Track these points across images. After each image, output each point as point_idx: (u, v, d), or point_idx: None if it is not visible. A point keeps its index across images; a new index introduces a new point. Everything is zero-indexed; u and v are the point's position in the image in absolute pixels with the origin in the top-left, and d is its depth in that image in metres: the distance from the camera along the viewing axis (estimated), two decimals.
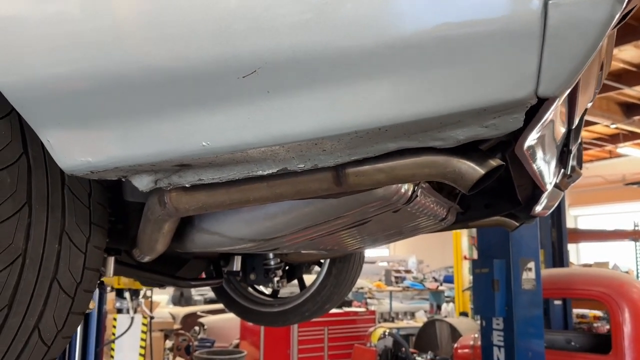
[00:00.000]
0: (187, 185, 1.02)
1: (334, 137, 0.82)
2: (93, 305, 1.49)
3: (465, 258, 11.52)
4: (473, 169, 0.93)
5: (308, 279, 3.03)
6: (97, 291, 4.51)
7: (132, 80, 0.85)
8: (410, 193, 1.46)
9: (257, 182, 1.07)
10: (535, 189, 1.78)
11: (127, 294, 4.55)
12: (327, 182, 1.04)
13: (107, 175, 0.99)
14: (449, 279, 13.83)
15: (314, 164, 0.92)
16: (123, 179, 1.02)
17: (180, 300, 13.41)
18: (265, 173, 0.95)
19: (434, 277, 16.63)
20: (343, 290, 2.87)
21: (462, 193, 2.09)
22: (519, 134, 0.95)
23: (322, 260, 2.94)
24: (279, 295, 3.12)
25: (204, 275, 2.68)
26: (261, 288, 3.22)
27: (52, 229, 1.10)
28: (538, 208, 2.06)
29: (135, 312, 4.56)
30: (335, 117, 0.80)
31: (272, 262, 2.69)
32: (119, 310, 4.61)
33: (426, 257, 22.69)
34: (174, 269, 2.02)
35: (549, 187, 1.59)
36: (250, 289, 3.12)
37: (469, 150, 0.96)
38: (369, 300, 12.72)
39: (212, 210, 1.13)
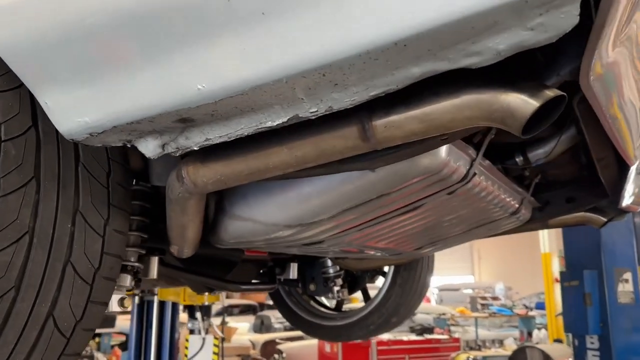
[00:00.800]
0: (195, 148, 0.91)
1: (344, 61, 0.68)
2: (129, 304, 1.40)
3: (556, 281, 10.72)
4: (525, 102, 0.76)
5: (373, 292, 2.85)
6: (169, 310, 4.55)
7: (114, 23, 0.76)
8: (464, 169, 1.27)
9: (275, 146, 0.95)
10: (621, 167, 1.52)
11: (198, 314, 4.55)
12: (352, 137, 0.89)
13: (108, 139, 0.90)
14: (540, 306, 12.93)
15: (328, 105, 0.78)
16: (129, 145, 0.93)
17: (260, 327, 13.47)
18: (275, 124, 0.82)
19: (524, 305, 15.66)
20: (411, 302, 2.65)
21: (536, 182, 1.86)
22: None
23: (386, 270, 2.75)
24: (343, 309, 2.95)
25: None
26: (325, 302, 3.06)
27: (63, 208, 1.03)
28: (627, 198, 1.78)
29: (206, 332, 4.54)
30: (342, 35, 0.66)
31: (330, 270, 2.54)
32: (191, 331, 4.60)
33: (515, 284, 21.51)
34: (222, 272, 1.93)
35: (638, 156, 1.34)
36: (313, 302, 2.98)
37: (519, 81, 0.78)
38: (452, 328, 12.12)
39: (232, 183, 1.02)
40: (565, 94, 0.76)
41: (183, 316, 4.81)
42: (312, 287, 2.65)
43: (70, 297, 1.06)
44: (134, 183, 1.37)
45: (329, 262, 2.54)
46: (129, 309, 1.45)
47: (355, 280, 2.74)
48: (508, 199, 1.69)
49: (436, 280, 21.99)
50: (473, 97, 0.80)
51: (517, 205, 1.81)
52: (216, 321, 10.67)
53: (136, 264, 1.48)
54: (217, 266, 1.93)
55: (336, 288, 2.55)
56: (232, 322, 12.75)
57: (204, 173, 1.02)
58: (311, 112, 0.79)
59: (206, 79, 0.75)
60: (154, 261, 1.69)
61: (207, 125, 0.86)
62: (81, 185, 1.06)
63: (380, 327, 2.65)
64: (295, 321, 2.93)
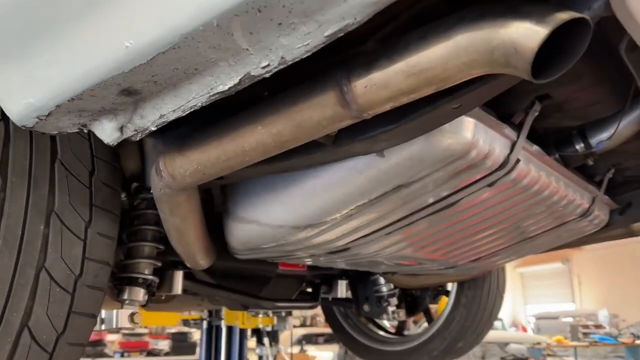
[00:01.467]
0: (153, 128, 0.79)
1: None
2: (140, 320, 1.30)
3: None
4: (530, 31, 0.57)
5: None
6: (237, 336, 4.47)
7: None
8: (502, 153, 1.06)
9: (248, 124, 0.81)
10: None
11: (266, 340, 4.44)
12: (330, 105, 0.73)
13: (60, 123, 0.80)
14: None
15: (280, 56, 0.63)
16: (85, 130, 0.83)
17: (344, 357, 13.17)
18: (227, 87, 0.69)
19: (631, 333, 14.23)
20: (478, 325, 2.37)
21: (609, 177, 1.57)
22: None
23: (449, 289, 2.49)
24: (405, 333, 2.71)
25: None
26: (387, 325, 2.84)
27: (35, 207, 0.94)
28: None
29: (274, 359, 4.41)
30: None
31: (383, 289, 2.33)
32: (260, 358, 4.49)
33: (621, 310, 19.69)
34: (257, 288, 1.80)
35: None
36: (371, 325, 2.76)
37: (524, 5, 0.59)
38: (548, 358, 11.18)
39: (211, 173, 0.89)
40: (584, 16, 0.56)
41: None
42: (366, 307, 2.45)
43: (48, 307, 0.96)
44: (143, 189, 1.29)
45: (382, 280, 2.34)
46: (140, 324, 1.35)
47: (415, 301, 2.51)
48: (573, 197, 1.43)
49: (533, 309, 20.68)
50: (467, 36, 0.62)
51: (587, 205, 1.54)
52: (296, 349, 10.52)
53: (150, 277, 1.38)
54: (252, 282, 1.81)
55: (391, 308, 2.34)
56: (316, 350, 12.57)
57: (180, 163, 0.90)
58: (263, 68, 0.65)
59: (132, 33, 0.63)
60: (178, 276, 1.59)
61: (157, 97, 0.74)
62: (57, 184, 0.97)
63: (444, 353, 2.39)
64: (352, 346, 2.73)
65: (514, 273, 20.24)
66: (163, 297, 1.64)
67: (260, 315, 3.03)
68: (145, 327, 10.02)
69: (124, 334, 10.10)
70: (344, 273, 2.22)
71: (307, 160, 0.96)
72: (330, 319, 2.82)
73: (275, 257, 1.42)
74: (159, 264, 1.43)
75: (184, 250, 1.22)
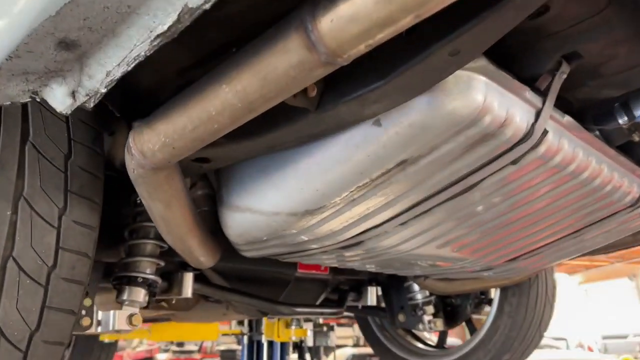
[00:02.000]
0: (103, 90, 0.70)
1: None
2: (138, 321, 1.21)
3: None
4: None
5: None
6: (278, 351, 4.37)
7: None
8: (525, 122, 0.91)
9: (212, 84, 0.71)
10: None
11: (307, 356, 4.31)
12: (294, 49, 0.62)
13: (8, 91, 0.73)
14: None
15: None
16: (37, 98, 0.75)
17: None
18: (166, 27, 0.59)
19: None
20: (526, 336, 2.16)
21: None
22: None
23: (492, 297, 2.29)
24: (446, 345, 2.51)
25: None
26: (426, 337, 2.65)
27: (1, 192, 0.87)
28: None
29: None
30: None
31: (418, 296, 2.16)
32: None
33: None
34: (276, 293, 1.69)
35: None
36: (409, 337, 2.58)
37: None
38: None
39: (180, 147, 0.79)
40: None
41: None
42: (401, 317, 2.29)
43: (17, 300, 0.89)
44: None
45: (416, 287, 2.17)
46: (138, 326, 1.26)
47: (455, 310, 2.32)
48: (619, 182, 1.24)
49: (599, 328, 19.57)
50: None
51: (637, 194, 1.34)
52: None
53: (151, 277, 1.29)
54: (269, 286, 1.70)
55: (427, 317, 2.17)
56: None
57: (148, 137, 0.81)
58: None
59: None
60: (188, 278, 1.51)
61: (99, 50, 0.65)
62: (27, 167, 0.90)
63: None
64: (387, 357, 2.56)
65: (578, 289, 19.25)
66: (173, 301, 1.56)
67: (293, 327, 2.91)
68: (195, 344, 10.07)
69: (174, 352, 10.18)
70: (374, 279, 2.07)
71: (291, 132, 0.85)
72: (365, 330, 2.66)
73: (283, 254, 1.31)
74: (161, 263, 1.34)
75: (178, 244, 1.12)
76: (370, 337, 2.64)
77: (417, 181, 0.97)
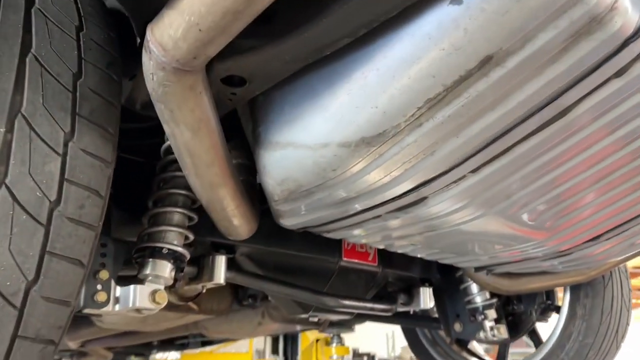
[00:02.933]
0: None
1: None
2: (162, 299, 1.02)
3: None
4: None
5: None
6: None
7: None
8: (638, 14, 0.72)
9: None
10: None
11: None
12: None
13: None
14: None
15: None
16: None
17: None
18: None
19: None
20: (602, 344, 1.88)
21: None
22: None
23: (559, 304, 2.02)
24: None
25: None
26: (481, 353, 2.37)
27: None
28: None
29: None
30: None
31: (478, 299, 1.92)
32: None
33: None
34: (315, 285, 1.48)
35: None
36: (465, 353, 2.31)
37: None
38: None
39: (212, 27, 0.63)
40: None
41: None
42: (457, 327, 2.04)
43: (11, 241, 0.72)
44: None
45: (474, 288, 1.93)
46: (163, 304, 1.07)
47: (518, 318, 2.06)
48: None
49: None
50: None
51: None
52: None
53: (178, 249, 1.12)
54: (311, 277, 1.49)
55: (489, 323, 1.91)
56: None
57: (169, 21, 0.65)
58: None
59: None
60: (220, 261, 1.32)
61: None
62: (27, 81, 0.75)
63: None
64: None
65: None
66: (203, 289, 1.37)
67: (334, 345, 2.66)
68: None
69: None
70: (426, 279, 1.84)
71: (345, 18, 0.68)
72: (415, 346, 2.40)
73: (326, 223, 1.12)
74: (190, 236, 1.16)
75: (207, 194, 0.95)
76: (420, 354, 2.37)
77: (500, 95, 0.78)
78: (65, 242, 0.76)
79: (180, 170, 1.16)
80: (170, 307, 1.72)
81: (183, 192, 1.16)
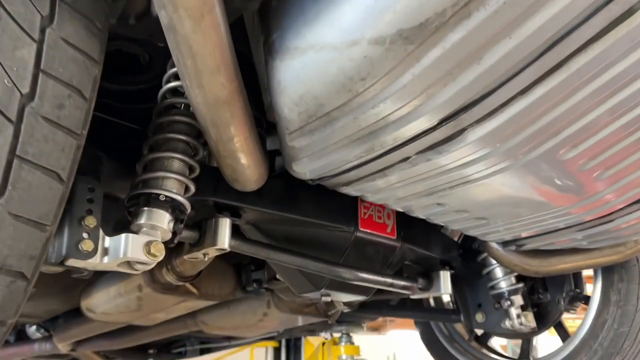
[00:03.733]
0: None
1: None
2: (159, 251, 0.87)
3: None
4: None
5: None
6: None
7: None
8: None
9: None
10: None
11: None
12: None
13: None
14: None
15: None
16: None
17: None
18: None
19: None
20: (638, 333, 1.72)
21: None
22: None
23: (588, 294, 1.87)
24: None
25: None
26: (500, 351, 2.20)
27: None
28: None
29: None
30: None
31: (502, 284, 1.76)
32: None
33: None
34: (332, 256, 1.33)
35: None
36: (485, 350, 2.14)
37: None
38: None
39: None
40: None
41: None
42: (479, 317, 1.89)
43: None
44: None
45: (499, 272, 1.78)
46: (159, 257, 0.92)
47: (544, 308, 1.90)
48: None
49: None
50: None
51: None
52: None
53: (178, 197, 0.97)
54: (324, 249, 1.35)
55: (514, 311, 1.76)
56: None
57: None
58: None
59: None
60: (224, 225, 1.18)
61: None
62: None
63: None
64: None
65: None
66: (206, 257, 1.22)
67: (343, 343, 2.48)
68: None
69: None
70: (446, 262, 1.69)
71: None
72: (430, 344, 2.23)
73: (347, 168, 0.98)
74: (192, 187, 1.02)
75: (210, 113, 0.80)
76: (437, 352, 2.20)
77: None
78: (40, 147, 0.63)
79: (180, 114, 1.04)
80: (168, 288, 1.57)
81: (183, 137, 1.02)
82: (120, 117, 1.34)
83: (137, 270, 0.94)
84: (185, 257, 1.24)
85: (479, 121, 0.86)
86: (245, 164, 0.92)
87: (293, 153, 0.95)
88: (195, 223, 1.20)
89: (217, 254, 1.20)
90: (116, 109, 1.30)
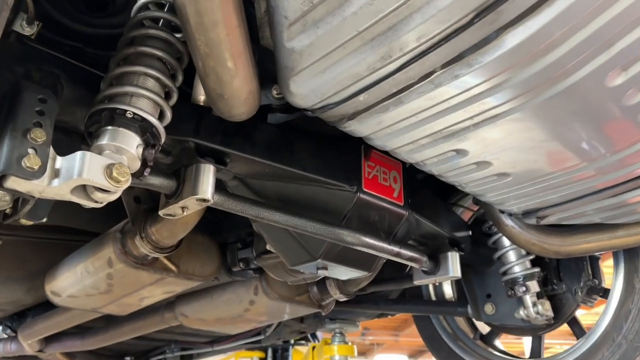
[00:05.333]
0: None
1: None
2: (124, 175, 0.69)
3: None
4: None
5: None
6: None
7: None
8: None
9: None
10: None
11: None
12: None
13: None
14: None
15: None
16: None
17: None
18: None
19: None
20: None
21: None
22: None
23: (606, 287, 1.70)
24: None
25: None
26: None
27: None
28: None
29: None
30: None
31: (516, 269, 1.59)
32: None
33: None
34: (331, 219, 1.15)
35: None
36: (491, 350, 1.95)
37: None
38: None
39: None
40: None
41: None
42: (488, 308, 1.72)
43: None
44: None
45: (513, 256, 1.61)
46: (123, 184, 0.74)
47: (559, 300, 1.73)
48: None
49: None
50: None
51: None
52: None
53: (150, 118, 0.80)
54: (322, 212, 1.17)
55: (530, 298, 1.58)
56: None
57: None
58: None
59: None
60: (207, 171, 1.00)
61: None
62: None
63: None
64: None
65: None
66: (184, 211, 1.03)
67: (336, 343, 2.28)
68: None
69: None
70: (454, 242, 1.52)
71: None
72: (431, 342, 2.04)
73: (357, 89, 0.81)
74: (168, 113, 0.85)
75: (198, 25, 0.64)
76: (440, 351, 2.01)
77: None
78: None
79: (158, 29, 0.87)
80: (142, 263, 1.38)
81: (160, 54, 0.85)
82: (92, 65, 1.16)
83: (95, 201, 0.76)
84: (160, 212, 1.06)
85: (523, 18, 0.70)
86: (232, 69, 0.75)
87: (291, 63, 0.78)
88: (174, 171, 1.03)
89: (198, 207, 1.02)
90: (88, 55, 1.13)
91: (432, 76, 0.80)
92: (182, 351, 3.24)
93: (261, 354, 3.85)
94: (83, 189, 0.75)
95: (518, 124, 0.92)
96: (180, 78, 0.90)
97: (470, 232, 1.57)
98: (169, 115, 0.86)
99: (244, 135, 1.06)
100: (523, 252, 1.60)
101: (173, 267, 1.42)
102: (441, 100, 0.85)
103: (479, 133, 0.94)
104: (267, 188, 1.17)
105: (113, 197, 0.77)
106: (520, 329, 1.77)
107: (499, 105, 0.86)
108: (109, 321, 2.25)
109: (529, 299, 1.57)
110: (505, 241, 1.61)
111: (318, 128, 1.21)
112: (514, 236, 1.44)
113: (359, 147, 1.21)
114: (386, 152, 1.28)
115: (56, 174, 0.73)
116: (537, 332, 1.80)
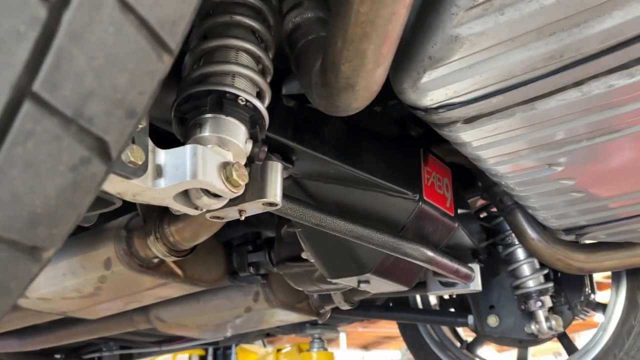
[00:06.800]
0: None
1: None
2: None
3: None
4: None
5: None
6: None
7: None
8: None
9: None
10: None
11: None
12: None
13: None
14: None
15: None
16: None
17: None
18: None
19: None
20: None
21: None
22: None
23: (602, 302, 1.72)
24: None
25: None
26: None
27: None
28: None
29: None
30: None
31: (530, 283, 1.55)
32: None
33: None
34: (391, 230, 1.03)
35: None
36: (477, 359, 1.93)
37: None
38: None
39: None
40: None
41: None
42: (492, 320, 1.67)
43: None
44: None
45: (527, 270, 1.57)
46: (240, 190, 0.58)
47: (558, 314, 1.72)
48: None
49: None
50: None
51: None
52: None
53: (260, 106, 0.64)
54: (380, 222, 1.05)
55: (542, 313, 1.55)
56: None
57: None
58: None
59: None
60: (276, 170, 0.83)
61: None
62: None
63: None
64: None
65: None
66: (242, 214, 0.86)
67: (315, 350, 2.16)
68: None
69: None
70: (476, 254, 1.45)
71: None
72: (418, 350, 1.98)
73: (511, 75, 0.70)
74: (267, 96, 0.69)
75: None
76: (425, 359, 1.95)
77: None
78: None
79: None
80: (147, 266, 1.18)
81: (255, 24, 0.69)
82: None
83: (196, 207, 0.59)
84: (208, 216, 0.88)
85: None
86: (382, 56, 0.60)
87: (441, 52, 0.64)
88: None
89: (260, 211, 0.86)
90: None
91: (586, 83, 0.70)
92: (121, 349, 2.97)
93: (201, 352, 3.63)
94: (185, 192, 0.57)
95: (634, 143, 0.84)
96: (271, 55, 0.74)
97: (487, 242, 1.51)
98: (267, 98, 0.70)
99: (314, 131, 0.91)
100: (537, 265, 1.56)
101: (179, 272, 1.23)
102: (578, 110, 0.75)
103: (588, 148, 0.86)
104: (323, 191, 1.02)
105: (220, 205, 0.60)
106: (513, 341, 1.75)
107: (635, 122, 0.78)
108: (55, 320, 1.98)
109: (541, 314, 1.54)
110: (520, 254, 1.57)
111: (377, 127, 1.08)
112: (539, 250, 1.40)
113: (418, 151, 1.09)
114: (439, 157, 1.18)
115: (158, 172, 0.55)
116: (530, 344, 1.78)
